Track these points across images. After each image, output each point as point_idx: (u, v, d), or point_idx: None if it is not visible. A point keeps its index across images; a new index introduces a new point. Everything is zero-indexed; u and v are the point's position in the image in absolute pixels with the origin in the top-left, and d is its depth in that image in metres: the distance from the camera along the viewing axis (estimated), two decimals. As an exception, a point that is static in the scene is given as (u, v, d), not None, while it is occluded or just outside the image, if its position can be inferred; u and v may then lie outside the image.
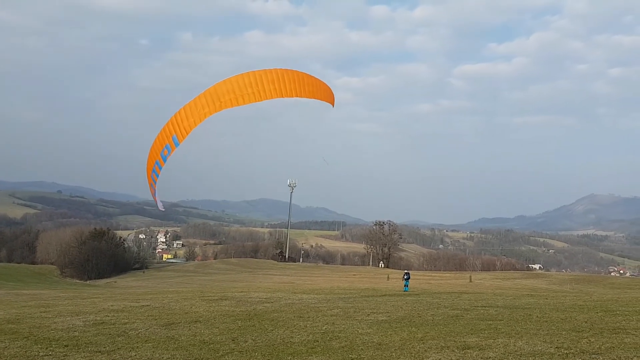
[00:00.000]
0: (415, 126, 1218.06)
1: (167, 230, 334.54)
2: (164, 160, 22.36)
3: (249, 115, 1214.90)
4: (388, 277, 75.01)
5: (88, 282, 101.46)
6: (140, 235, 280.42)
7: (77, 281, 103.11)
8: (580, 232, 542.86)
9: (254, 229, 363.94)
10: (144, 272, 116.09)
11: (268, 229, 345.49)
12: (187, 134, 22.11)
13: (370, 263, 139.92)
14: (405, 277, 44.75)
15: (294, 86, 23.10)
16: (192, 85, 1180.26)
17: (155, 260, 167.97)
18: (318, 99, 23.99)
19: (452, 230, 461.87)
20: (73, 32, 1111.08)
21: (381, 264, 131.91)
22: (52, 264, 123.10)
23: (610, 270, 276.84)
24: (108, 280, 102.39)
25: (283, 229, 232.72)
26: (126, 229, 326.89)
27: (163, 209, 26.26)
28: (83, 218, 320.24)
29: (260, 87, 22.36)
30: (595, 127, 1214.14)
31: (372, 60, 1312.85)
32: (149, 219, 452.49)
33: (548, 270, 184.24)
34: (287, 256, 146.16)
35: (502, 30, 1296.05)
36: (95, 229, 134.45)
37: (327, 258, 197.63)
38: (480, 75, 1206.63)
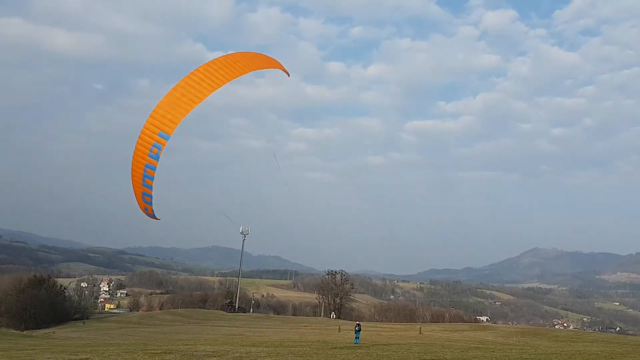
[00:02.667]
0: (367, 177, 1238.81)
1: (110, 279, 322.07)
2: (157, 159, 22.44)
3: (202, 163, 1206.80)
4: (339, 329, 74.27)
5: (25, 332, 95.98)
6: (82, 284, 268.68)
7: (14, 331, 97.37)
8: (526, 285, 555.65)
9: (203, 277, 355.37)
10: (84, 323, 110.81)
11: (218, 278, 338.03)
12: (175, 125, 22.52)
13: (322, 314, 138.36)
14: (356, 328, 44.52)
15: (257, 61, 25.96)
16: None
17: (97, 311, 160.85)
18: (279, 68, 27.40)
19: (403, 281, 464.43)
20: (23, 74, 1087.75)
21: (333, 314, 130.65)
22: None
23: (555, 323, 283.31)
24: (46, 330, 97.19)
25: (234, 278, 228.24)
26: (68, 276, 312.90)
27: (159, 219, 25.76)
28: (23, 264, 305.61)
29: (230, 67, 24.64)
30: (538, 184, 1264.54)
31: (327, 113, 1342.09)
32: (93, 266, 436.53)
33: (495, 323, 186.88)
34: (237, 306, 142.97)
35: (449, 90, 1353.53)
36: (35, 276, 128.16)
37: (279, 308, 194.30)
38: (429, 131, 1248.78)
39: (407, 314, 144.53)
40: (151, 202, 23.81)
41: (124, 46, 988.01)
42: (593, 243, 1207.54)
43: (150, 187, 23.24)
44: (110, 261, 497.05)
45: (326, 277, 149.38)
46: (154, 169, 22.75)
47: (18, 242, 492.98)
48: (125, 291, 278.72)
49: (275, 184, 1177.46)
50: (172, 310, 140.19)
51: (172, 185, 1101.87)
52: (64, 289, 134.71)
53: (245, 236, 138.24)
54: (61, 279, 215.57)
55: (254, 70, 25.79)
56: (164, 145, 22.38)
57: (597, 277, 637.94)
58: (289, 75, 28.81)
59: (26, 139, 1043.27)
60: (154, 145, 22.51)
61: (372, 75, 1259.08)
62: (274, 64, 27.27)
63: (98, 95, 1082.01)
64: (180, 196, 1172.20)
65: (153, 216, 25.08)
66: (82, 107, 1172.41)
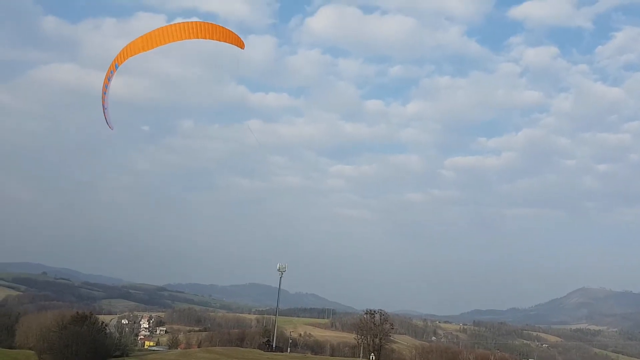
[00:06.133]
0: (406, 214, 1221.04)
1: (150, 316, 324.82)
2: (110, 80, 34.26)
3: (240, 199, 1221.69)
4: (379, 371, 72.36)
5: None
6: (123, 321, 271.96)
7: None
8: (574, 326, 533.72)
9: (240, 315, 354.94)
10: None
11: (255, 316, 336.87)
12: (124, 60, 33.31)
13: (361, 354, 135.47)
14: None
15: (214, 33, 31.71)
16: (186, 169, 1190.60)
17: (137, 348, 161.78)
18: (233, 44, 33.11)
19: (445, 322, 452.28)
20: (75, 117, 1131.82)
21: (372, 356, 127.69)
22: (30, 349, 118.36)
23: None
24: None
25: (271, 316, 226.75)
26: (109, 313, 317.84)
27: (112, 128, 37.60)
28: (66, 301, 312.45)
29: (181, 31, 31.64)
30: (584, 221, 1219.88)
31: (365, 150, 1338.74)
32: (134, 303, 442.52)
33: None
34: (274, 345, 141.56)
35: (491, 126, 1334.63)
36: (77, 312, 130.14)
37: (316, 348, 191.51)
38: (470, 167, 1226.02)
39: (450, 357, 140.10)
40: (103, 112, 35.31)
41: (169, 89, 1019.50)
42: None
43: (105, 100, 34.94)
44: (150, 298, 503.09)
45: (365, 316, 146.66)
46: (107, 87, 34.56)
47: (62, 279, 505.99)
48: (164, 328, 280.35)
49: (313, 221, 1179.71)
50: (210, 348, 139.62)
51: (210, 222, 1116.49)
52: (105, 325, 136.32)
53: (282, 273, 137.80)
54: (103, 315, 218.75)
55: (208, 39, 32.16)
56: (115, 71, 33.98)
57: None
58: (242, 48, 34.10)
59: (75, 178, 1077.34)
60: (111, 72, 33.86)
61: (411, 113, 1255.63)
62: (229, 38, 32.96)
63: (145, 135, 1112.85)
64: (218, 233, 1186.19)
65: (107, 123, 36.26)
66: (129, 147, 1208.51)
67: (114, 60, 33.43)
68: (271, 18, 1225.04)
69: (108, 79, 33.77)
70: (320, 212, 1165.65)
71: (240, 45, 33.61)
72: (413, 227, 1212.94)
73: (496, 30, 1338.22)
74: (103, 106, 35.02)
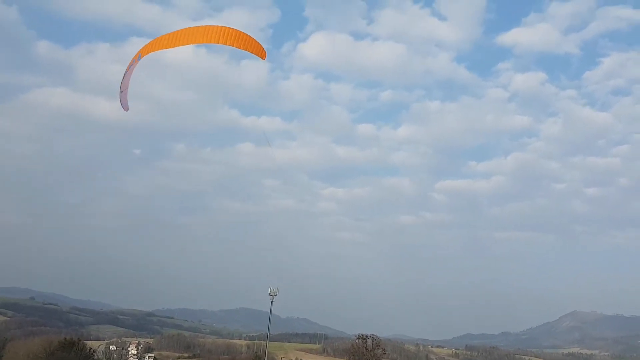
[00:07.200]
0: (398, 237, 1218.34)
1: (139, 342, 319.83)
2: (131, 68, 35.71)
3: (231, 223, 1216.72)
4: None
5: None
6: (111, 347, 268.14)
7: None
8: (565, 350, 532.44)
9: (230, 341, 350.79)
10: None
11: (246, 341, 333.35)
12: (146, 54, 34.36)
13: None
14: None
15: (230, 37, 31.57)
16: (178, 193, 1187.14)
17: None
18: (254, 53, 32.83)
19: (437, 346, 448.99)
20: (67, 140, 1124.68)
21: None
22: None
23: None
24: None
25: (262, 342, 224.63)
26: (97, 339, 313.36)
27: (127, 110, 38.98)
28: (54, 327, 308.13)
29: (206, 34, 31.73)
30: (574, 244, 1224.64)
31: (357, 173, 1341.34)
32: (122, 329, 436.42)
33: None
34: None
35: (481, 150, 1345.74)
36: (65, 339, 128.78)
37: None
38: (461, 190, 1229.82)
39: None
40: (119, 94, 37.35)
41: (163, 113, 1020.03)
42: (635, 306, 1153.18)
43: (123, 84, 36.73)
44: (139, 323, 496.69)
45: (357, 341, 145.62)
46: (126, 73, 36.15)
47: (50, 304, 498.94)
48: (153, 354, 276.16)
49: (305, 244, 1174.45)
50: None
51: (200, 246, 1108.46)
52: (93, 352, 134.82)
53: (273, 298, 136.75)
54: (91, 341, 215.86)
55: (230, 45, 32.31)
56: (137, 62, 35.22)
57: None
58: (263, 58, 34.36)
59: (66, 202, 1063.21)
60: (133, 61, 35.14)
61: (402, 137, 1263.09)
62: (252, 47, 32.94)
63: (137, 159, 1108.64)
64: (208, 257, 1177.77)
65: (122, 105, 37.97)
66: (121, 170, 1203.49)
67: (138, 52, 34.72)
68: (264, 43, 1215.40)
69: (129, 66, 35.61)
70: (313, 235, 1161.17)
71: (262, 55, 33.49)
72: (405, 250, 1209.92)
73: (485, 56, 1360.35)
74: (120, 90, 36.82)
